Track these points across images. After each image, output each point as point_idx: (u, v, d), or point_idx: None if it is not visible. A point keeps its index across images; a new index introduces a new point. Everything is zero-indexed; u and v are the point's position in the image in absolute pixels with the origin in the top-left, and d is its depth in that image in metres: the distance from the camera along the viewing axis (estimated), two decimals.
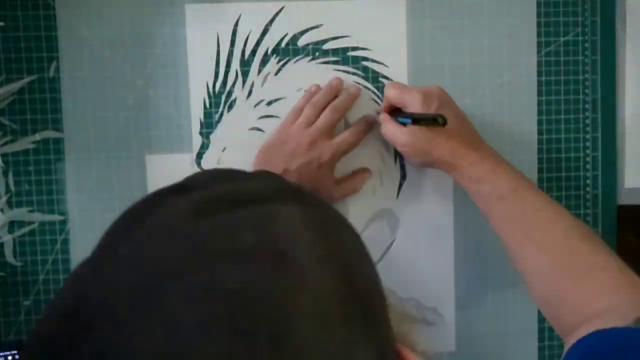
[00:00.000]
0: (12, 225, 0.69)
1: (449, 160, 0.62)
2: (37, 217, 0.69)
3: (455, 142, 0.63)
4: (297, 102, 0.69)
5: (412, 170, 0.72)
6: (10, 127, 0.68)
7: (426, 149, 0.63)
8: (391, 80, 0.71)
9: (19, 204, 0.69)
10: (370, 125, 0.69)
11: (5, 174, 0.68)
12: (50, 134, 0.68)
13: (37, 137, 0.68)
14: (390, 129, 0.65)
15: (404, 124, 0.64)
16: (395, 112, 0.66)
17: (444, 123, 0.58)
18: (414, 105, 0.63)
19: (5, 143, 0.68)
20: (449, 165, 0.63)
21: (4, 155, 0.68)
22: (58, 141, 0.69)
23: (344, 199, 0.71)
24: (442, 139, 0.62)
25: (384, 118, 0.66)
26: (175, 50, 0.69)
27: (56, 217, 0.69)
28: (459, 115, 0.64)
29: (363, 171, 0.71)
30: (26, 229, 0.69)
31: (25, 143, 0.68)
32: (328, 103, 0.68)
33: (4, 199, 0.68)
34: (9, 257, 0.69)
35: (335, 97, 0.68)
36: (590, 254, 0.56)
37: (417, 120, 0.62)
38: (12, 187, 0.68)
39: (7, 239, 0.69)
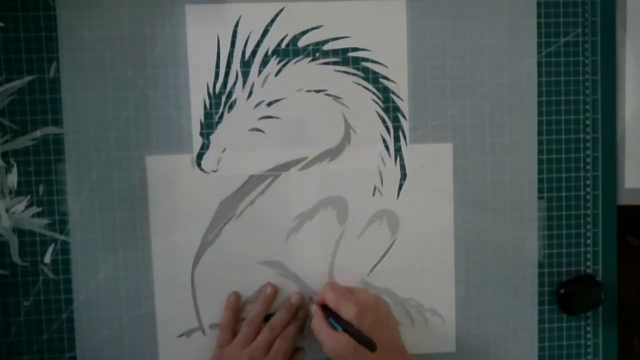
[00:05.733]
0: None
1: None
2: (39, 222, 0.69)
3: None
4: (226, 319, 0.70)
5: (412, 170, 0.72)
6: (10, 128, 0.68)
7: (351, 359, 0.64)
8: (392, 81, 0.71)
9: (20, 204, 0.69)
10: (300, 328, 0.71)
11: (6, 174, 0.68)
12: (51, 129, 0.68)
13: (38, 133, 0.68)
14: (321, 330, 0.66)
15: (334, 327, 0.65)
16: (326, 307, 0.68)
17: (372, 351, 0.61)
18: (348, 316, 0.65)
19: (6, 142, 0.68)
20: None
21: (5, 154, 0.68)
22: (58, 141, 0.69)
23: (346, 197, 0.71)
24: (368, 356, 0.63)
25: (317, 314, 0.68)
26: (175, 51, 0.69)
27: (56, 218, 0.69)
28: (390, 333, 0.67)
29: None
30: (27, 229, 0.69)
31: (25, 140, 0.68)
32: (266, 314, 0.70)
33: (7, 199, 0.68)
34: (15, 256, 0.69)
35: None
36: None
37: (348, 331, 0.64)
38: (13, 187, 0.68)
39: (11, 239, 0.69)
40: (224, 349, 0.69)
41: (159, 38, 0.69)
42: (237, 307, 0.71)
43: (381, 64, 0.70)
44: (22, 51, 0.68)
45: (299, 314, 0.71)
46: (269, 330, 0.68)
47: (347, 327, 0.64)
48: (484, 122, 0.72)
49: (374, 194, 0.72)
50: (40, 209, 0.69)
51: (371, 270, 0.72)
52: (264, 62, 0.69)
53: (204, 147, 0.70)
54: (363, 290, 0.71)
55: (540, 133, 0.73)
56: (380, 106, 0.71)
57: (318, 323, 0.67)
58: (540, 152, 0.73)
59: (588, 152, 0.73)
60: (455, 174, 0.72)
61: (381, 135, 0.71)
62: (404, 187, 0.72)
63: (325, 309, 0.68)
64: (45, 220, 0.69)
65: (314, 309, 0.69)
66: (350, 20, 0.70)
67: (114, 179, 0.69)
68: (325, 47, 0.70)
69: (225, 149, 0.70)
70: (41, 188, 0.69)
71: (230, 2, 0.69)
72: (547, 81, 0.72)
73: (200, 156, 0.70)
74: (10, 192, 0.69)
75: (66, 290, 0.70)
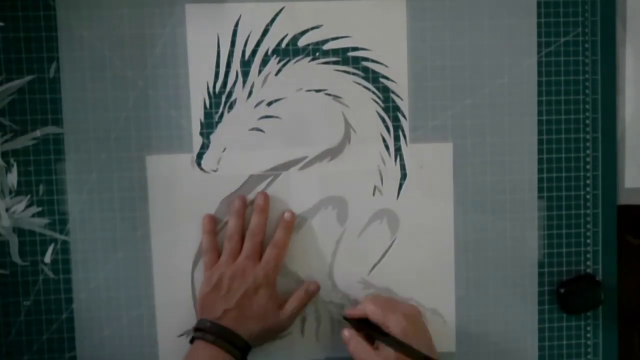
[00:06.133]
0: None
1: None
2: (39, 221, 0.69)
3: None
4: (208, 242, 0.69)
5: (412, 170, 0.72)
6: (11, 127, 0.68)
7: None
8: (392, 80, 0.71)
9: (20, 204, 0.69)
10: (288, 233, 0.70)
11: (6, 174, 0.68)
12: (51, 129, 0.68)
13: (38, 133, 0.68)
14: (361, 350, 0.63)
15: (373, 340, 0.63)
16: (362, 322, 0.65)
17: None
18: (395, 330, 0.62)
19: (6, 141, 0.68)
20: None
21: (5, 154, 0.68)
22: (58, 141, 0.69)
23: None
24: None
25: (354, 337, 0.64)
26: (175, 50, 0.69)
27: (56, 218, 0.69)
28: (430, 344, 0.65)
29: (306, 286, 0.70)
30: (27, 229, 0.69)
31: (25, 140, 0.68)
32: (242, 226, 0.69)
33: (7, 198, 0.68)
34: (15, 256, 0.69)
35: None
36: None
37: (393, 347, 0.61)
38: (13, 187, 0.68)
39: (11, 238, 0.69)
40: (212, 270, 0.68)
41: (159, 38, 0.69)
42: (215, 229, 0.70)
43: (381, 63, 0.70)
44: (22, 51, 0.68)
45: (286, 216, 0.70)
46: (249, 238, 0.68)
47: (393, 343, 0.61)
48: (484, 122, 0.72)
49: (374, 194, 0.72)
50: (40, 209, 0.69)
51: (371, 270, 0.72)
52: (264, 62, 0.69)
53: (204, 147, 0.70)
54: (401, 302, 0.67)
55: (540, 133, 0.73)
56: (380, 106, 0.71)
57: (358, 345, 0.64)
58: (540, 152, 0.73)
59: (588, 151, 0.73)
60: (455, 174, 0.72)
61: (381, 135, 0.71)
62: (404, 187, 0.72)
63: (359, 323, 0.65)
64: (45, 220, 0.69)
65: (348, 334, 0.65)
66: (350, 20, 0.70)
67: (114, 179, 0.69)
68: (325, 47, 0.70)
69: (225, 149, 0.70)
70: (41, 188, 0.69)
71: (230, 2, 0.69)
72: (547, 81, 0.72)
73: (200, 156, 0.70)
74: (10, 192, 0.69)
75: (66, 290, 0.70)
